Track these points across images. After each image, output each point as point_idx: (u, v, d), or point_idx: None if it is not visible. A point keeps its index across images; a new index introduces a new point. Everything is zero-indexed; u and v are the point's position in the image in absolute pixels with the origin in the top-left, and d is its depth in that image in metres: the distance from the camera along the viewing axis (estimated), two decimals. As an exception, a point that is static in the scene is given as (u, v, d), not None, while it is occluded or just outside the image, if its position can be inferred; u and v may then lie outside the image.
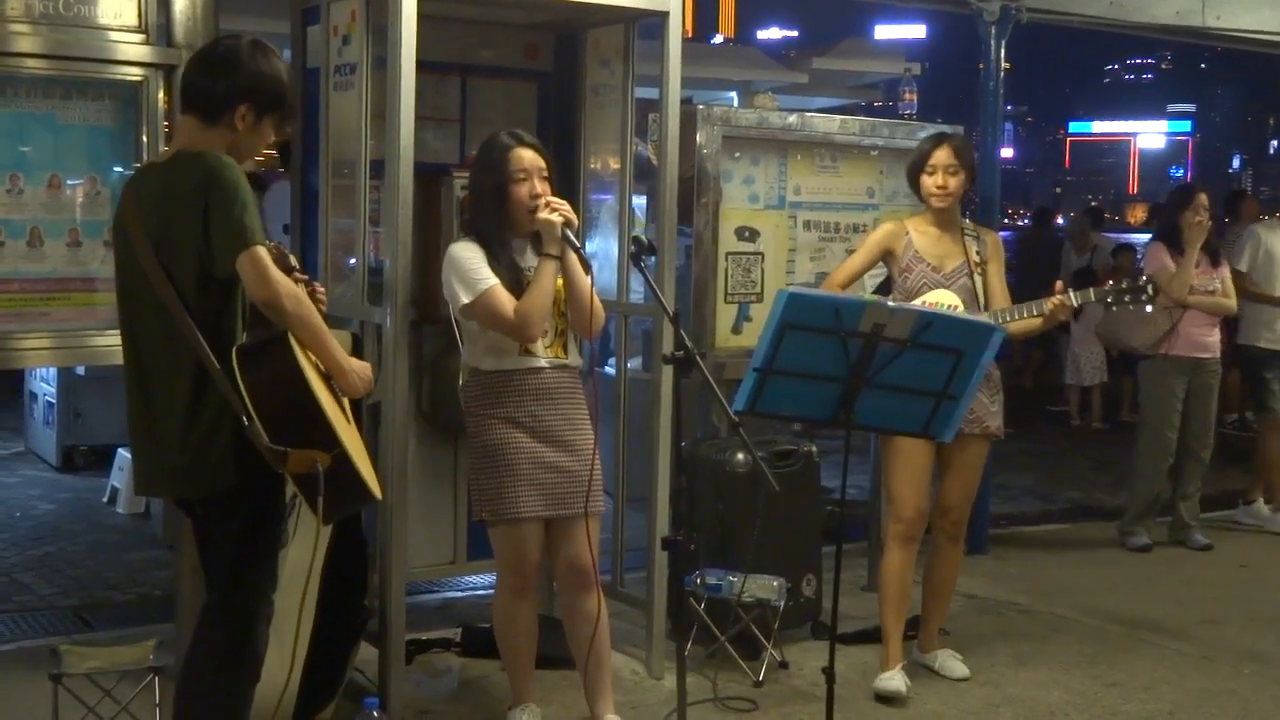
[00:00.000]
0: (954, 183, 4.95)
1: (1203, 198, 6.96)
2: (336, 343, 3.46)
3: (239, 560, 3.47)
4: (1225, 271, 7.17)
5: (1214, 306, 7.06)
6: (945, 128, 5.51)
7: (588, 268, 4.16)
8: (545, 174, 4.14)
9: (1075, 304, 4.85)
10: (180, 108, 3.56)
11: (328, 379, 3.44)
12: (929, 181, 4.97)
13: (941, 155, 4.95)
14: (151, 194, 3.39)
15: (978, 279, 4.96)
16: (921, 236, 5.00)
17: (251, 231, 3.25)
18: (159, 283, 3.31)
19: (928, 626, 5.20)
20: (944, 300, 4.86)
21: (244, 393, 3.23)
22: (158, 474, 3.48)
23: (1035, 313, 4.87)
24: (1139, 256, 11.93)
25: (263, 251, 3.25)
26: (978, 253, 4.99)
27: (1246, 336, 7.89)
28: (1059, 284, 4.95)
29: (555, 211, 4.05)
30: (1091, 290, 4.90)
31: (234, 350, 3.28)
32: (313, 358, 3.38)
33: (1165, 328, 6.99)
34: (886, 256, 5.06)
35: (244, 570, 3.48)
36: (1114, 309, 4.94)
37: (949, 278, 4.94)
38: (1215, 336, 7.20)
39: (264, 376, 3.26)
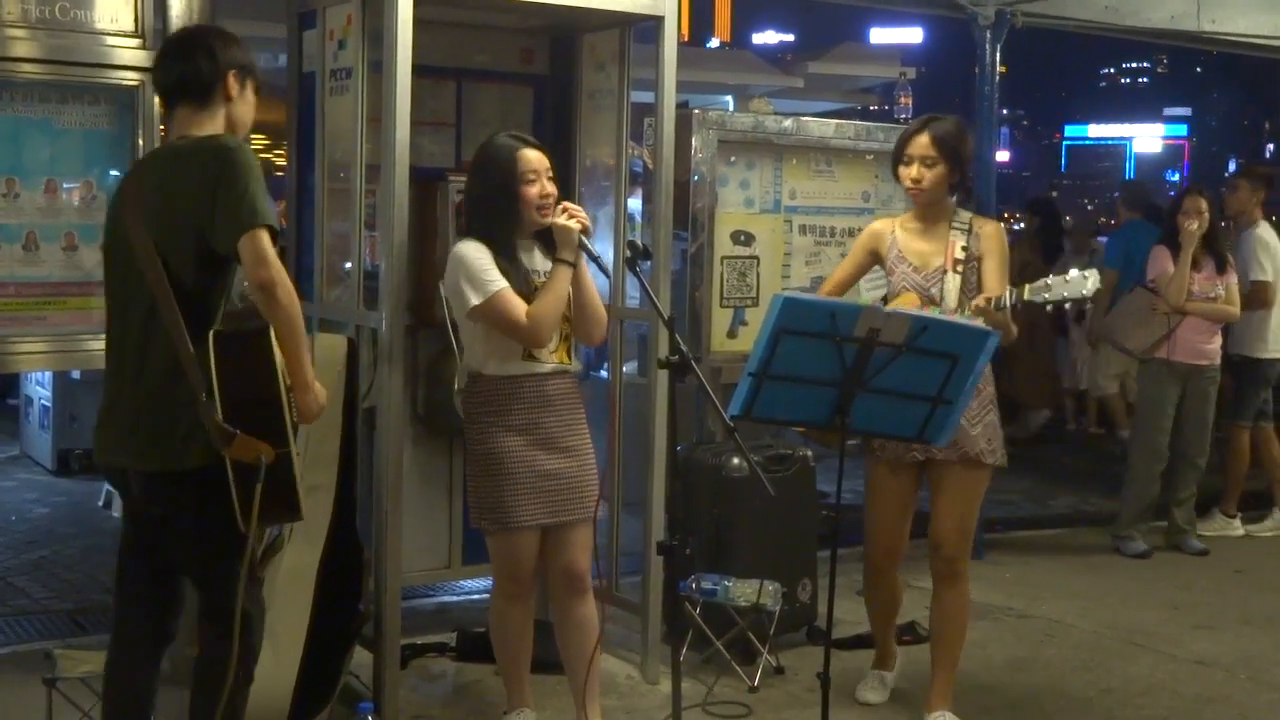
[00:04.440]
0: (930, 176, 4.40)
1: (1199, 201, 6.90)
2: (309, 358, 3.45)
3: (204, 557, 3.45)
4: (1232, 279, 7.07)
5: (1212, 314, 7.01)
6: (939, 115, 4.68)
7: (608, 275, 4.18)
8: (551, 174, 4.12)
9: (1008, 303, 4.27)
10: (170, 105, 3.55)
11: (288, 391, 3.41)
12: (904, 173, 4.45)
13: (919, 144, 4.41)
14: (157, 172, 3.40)
15: (953, 278, 4.39)
16: (906, 234, 4.54)
17: (263, 213, 3.25)
18: (143, 251, 3.30)
19: (933, 680, 4.61)
20: (903, 307, 4.24)
21: (213, 370, 3.22)
22: (120, 442, 3.46)
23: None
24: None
25: (267, 234, 3.24)
26: (963, 249, 4.42)
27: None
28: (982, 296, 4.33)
29: (573, 218, 4.04)
30: (1026, 287, 4.27)
31: (212, 333, 3.27)
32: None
33: (1161, 333, 6.98)
34: (876, 260, 4.64)
35: (211, 566, 3.45)
36: (1049, 308, 4.36)
37: (929, 279, 4.44)
38: (1215, 344, 7.14)
39: (238, 361, 3.25)
